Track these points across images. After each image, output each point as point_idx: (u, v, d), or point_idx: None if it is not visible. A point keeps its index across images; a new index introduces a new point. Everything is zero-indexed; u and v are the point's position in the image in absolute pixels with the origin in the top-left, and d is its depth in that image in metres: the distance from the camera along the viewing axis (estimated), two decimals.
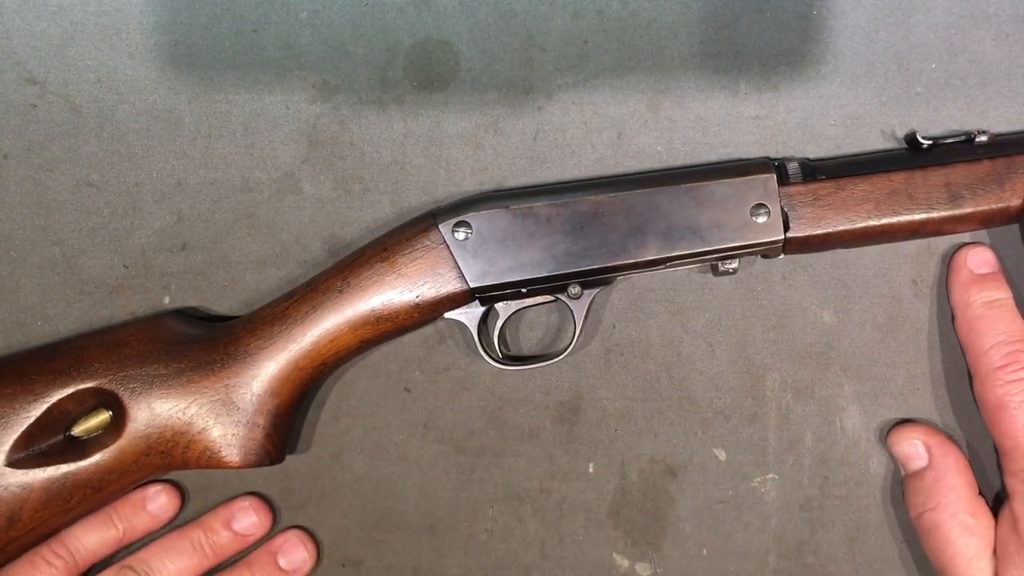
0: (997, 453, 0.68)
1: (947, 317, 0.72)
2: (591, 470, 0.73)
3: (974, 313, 0.68)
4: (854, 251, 0.72)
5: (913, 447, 0.69)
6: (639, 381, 0.73)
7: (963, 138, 0.68)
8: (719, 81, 0.71)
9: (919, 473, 0.69)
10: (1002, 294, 0.68)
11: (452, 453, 0.73)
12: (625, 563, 0.73)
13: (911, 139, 0.68)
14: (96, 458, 0.64)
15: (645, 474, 0.73)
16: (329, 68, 0.71)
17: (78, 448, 0.65)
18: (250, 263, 0.72)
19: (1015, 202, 0.67)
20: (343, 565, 0.73)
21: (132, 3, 0.70)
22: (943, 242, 0.72)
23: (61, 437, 0.65)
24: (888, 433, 0.71)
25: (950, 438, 0.70)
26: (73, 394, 0.64)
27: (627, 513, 0.73)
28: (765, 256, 0.69)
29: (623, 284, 0.72)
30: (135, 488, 0.70)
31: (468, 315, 0.68)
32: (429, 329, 0.72)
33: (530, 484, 0.73)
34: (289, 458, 0.72)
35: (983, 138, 0.67)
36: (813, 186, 0.67)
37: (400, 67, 0.71)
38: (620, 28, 0.71)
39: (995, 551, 0.65)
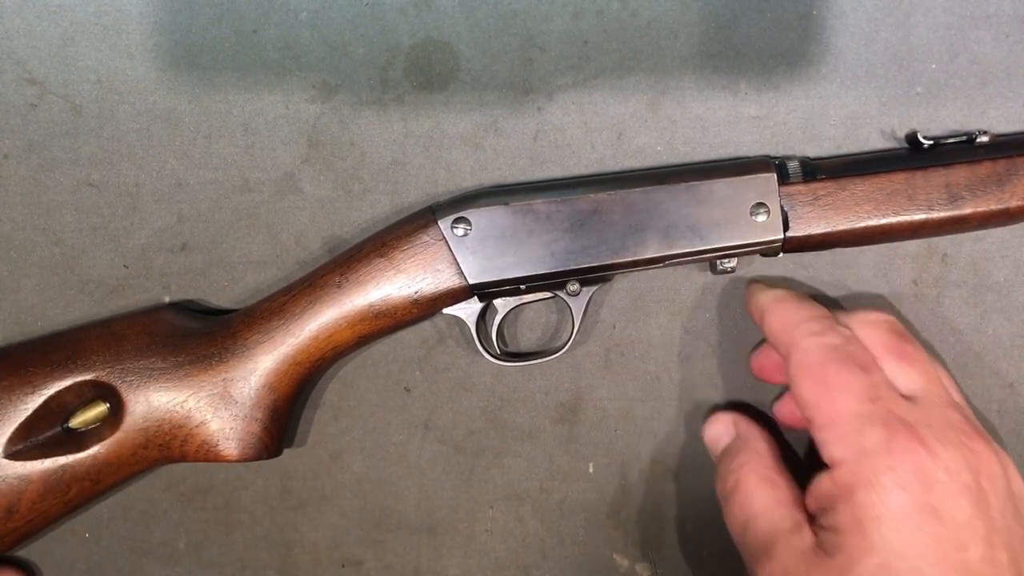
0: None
1: (947, 316, 0.71)
2: (591, 470, 0.73)
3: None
4: (854, 251, 0.72)
5: (720, 424, 0.69)
6: (639, 381, 0.73)
7: (964, 138, 0.67)
8: (719, 81, 0.71)
9: (727, 447, 0.67)
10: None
11: (452, 453, 0.73)
12: (625, 563, 0.73)
13: (912, 139, 0.68)
14: (94, 450, 0.64)
15: (645, 474, 0.73)
16: (329, 68, 0.71)
17: (76, 440, 0.65)
18: (250, 263, 0.72)
19: (1015, 203, 0.67)
20: (343, 565, 0.73)
21: (132, 3, 0.71)
22: (943, 242, 0.72)
23: (59, 429, 0.65)
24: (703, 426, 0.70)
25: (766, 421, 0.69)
26: (71, 386, 0.64)
27: (627, 513, 0.73)
28: (764, 255, 0.69)
29: (623, 284, 0.72)
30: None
31: (466, 311, 0.68)
32: (429, 329, 0.72)
33: (530, 484, 0.73)
34: (289, 458, 0.72)
35: (984, 139, 0.67)
36: (813, 185, 0.67)
37: (400, 67, 0.71)
38: (620, 28, 0.71)
39: (806, 506, 0.61)
